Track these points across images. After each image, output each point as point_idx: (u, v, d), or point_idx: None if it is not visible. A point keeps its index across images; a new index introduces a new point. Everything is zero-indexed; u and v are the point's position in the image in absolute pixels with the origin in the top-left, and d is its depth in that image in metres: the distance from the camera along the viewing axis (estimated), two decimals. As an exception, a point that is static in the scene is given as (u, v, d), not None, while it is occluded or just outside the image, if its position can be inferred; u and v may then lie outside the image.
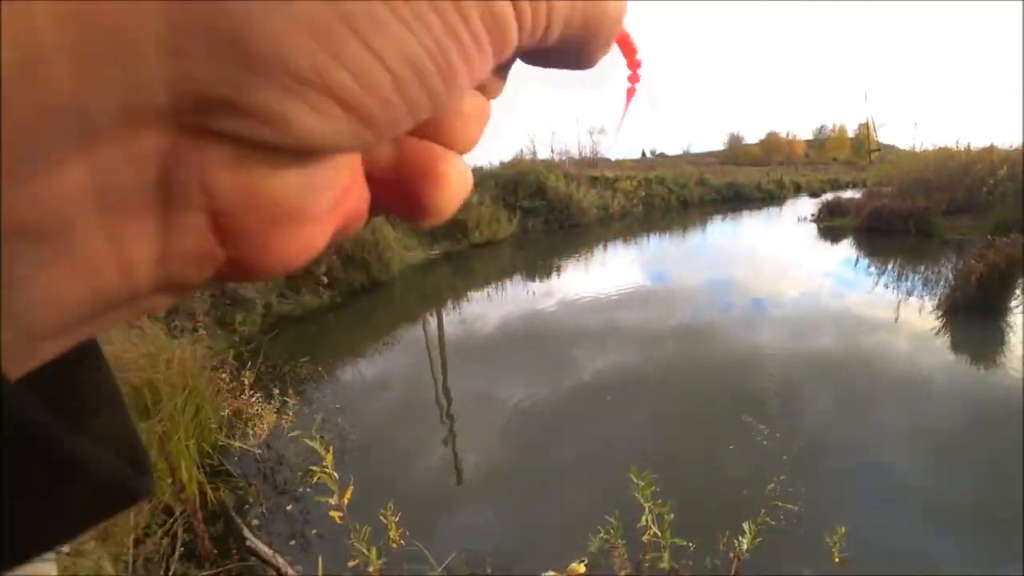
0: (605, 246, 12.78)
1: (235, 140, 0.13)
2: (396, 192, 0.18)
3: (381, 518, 1.65)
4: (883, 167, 18.00)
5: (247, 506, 2.84)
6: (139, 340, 3.34)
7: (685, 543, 1.32)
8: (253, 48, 0.11)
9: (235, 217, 0.14)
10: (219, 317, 6.30)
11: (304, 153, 0.14)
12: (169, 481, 2.45)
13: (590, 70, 0.18)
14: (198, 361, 3.53)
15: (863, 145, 59.37)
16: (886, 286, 7.86)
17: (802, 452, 3.37)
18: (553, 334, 6.16)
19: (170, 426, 2.84)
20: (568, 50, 0.17)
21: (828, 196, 18.94)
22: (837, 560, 1.34)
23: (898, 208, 12.21)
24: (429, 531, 2.75)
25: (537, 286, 8.75)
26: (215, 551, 2.36)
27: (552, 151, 28.91)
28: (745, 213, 20.44)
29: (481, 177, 15.13)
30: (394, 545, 1.62)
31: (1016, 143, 14.07)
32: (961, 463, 3.28)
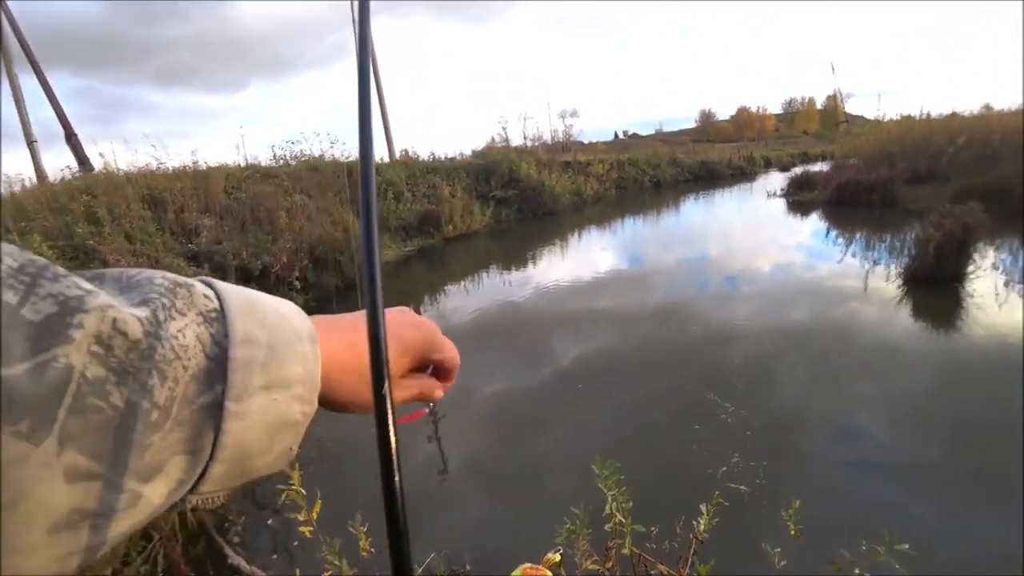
0: (580, 232, 12.85)
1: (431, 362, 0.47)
2: None
3: (351, 530, 1.68)
4: (850, 139, 18.28)
5: (227, 524, 2.85)
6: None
7: (644, 529, 1.37)
8: (439, 345, 0.47)
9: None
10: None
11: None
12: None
13: None
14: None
15: (831, 117, 60.17)
16: (854, 256, 8.06)
17: (777, 424, 3.48)
18: (531, 323, 6.22)
19: (144, 448, 2.82)
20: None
21: (797, 170, 19.22)
22: (793, 533, 1.40)
23: (863, 180, 12.47)
24: (413, 531, 2.79)
25: (513, 276, 8.79)
26: (196, 573, 2.37)
27: (524, 137, 28.85)
28: (718, 191, 20.69)
29: (452, 168, 15.06)
30: (364, 554, 1.66)
31: (975, 109, 14.40)
32: (927, 422, 3.41)
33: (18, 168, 23.45)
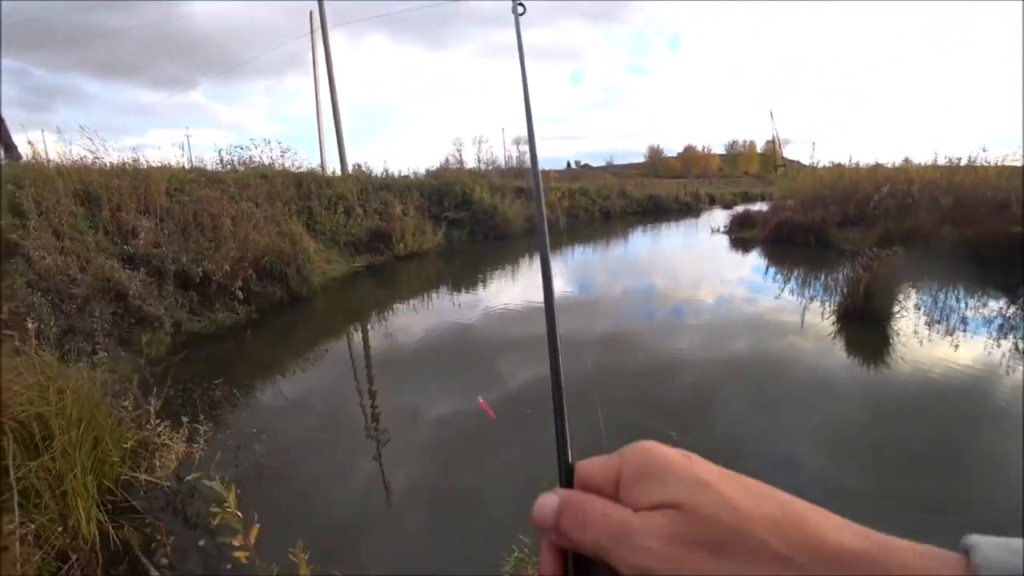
0: (530, 257, 12.98)
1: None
2: None
3: (291, 557, 1.60)
4: (787, 182, 19.38)
5: (154, 544, 2.65)
6: (25, 369, 3.05)
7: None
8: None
9: None
10: (121, 337, 5.87)
11: None
12: (60, 527, 2.25)
13: None
14: (96, 389, 3.28)
15: (770, 160, 63.73)
16: (792, 292, 8.45)
17: (720, 450, 3.55)
18: (479, 346, 6.19)
19: (64, 464, 2.61)
20: None
21: (739, 208, 20.23)
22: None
23: (799, 221, 13.18)
24: (354, 557, 2.69)
25: (463, 298, 8.75)
26: (116, 597, 2.19)
27: (479, 160, 29.11)
28: (664, 224, 21.42)
29: (406, 187, 14.97)
30: (307, 583, 1.58)
31: (897, 161, 15.55)
32: (857, 450, 3.58)
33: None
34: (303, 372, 5.75)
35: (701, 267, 11.49)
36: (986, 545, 0.22)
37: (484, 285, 9.73)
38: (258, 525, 1.66)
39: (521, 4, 0.61)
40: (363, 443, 4.02)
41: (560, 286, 9.28)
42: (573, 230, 19.03)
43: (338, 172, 16.53)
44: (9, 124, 11.01)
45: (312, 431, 4.35)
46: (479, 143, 51.66)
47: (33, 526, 2.20)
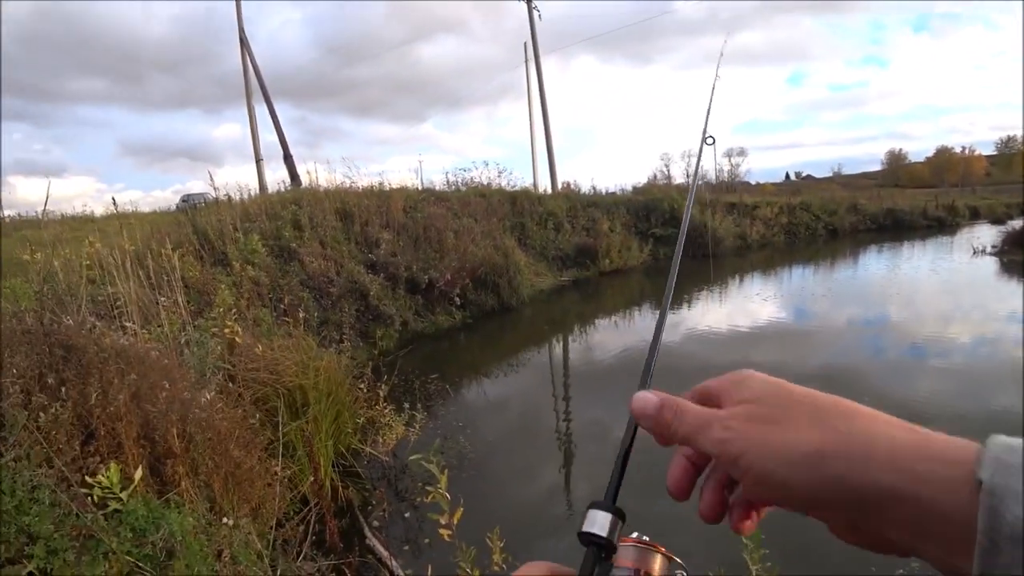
0: (740, 278, 12.13)
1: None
2: None
3: (487, 541, 1.76)
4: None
5: (370, 507, 3.11)
6: (295, 348, 3.82)
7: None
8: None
9: None
10: (362, 330, 6.94)
11: None
12: (310, 476, 2.79)
13: None
14: (341, 370, 3.95)
15: (1069, 166, 50.09)
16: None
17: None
18: (679, 369, 5.97)
19: (314, 427, 3.22)
20: None
21: (1016, 223, 16.07)
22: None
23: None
24: (534, 556, 2.82)
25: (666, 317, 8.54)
26: (340, 544, 2.63)
27: (687, 175, 28.12)
28: (906, 244, 18.23)
29: (613, 203, 15.13)
30: (497, 568, 1.73)
31: None
32: None
33: (246, 180, 28.06)
34: (505, 376, 6.18)
35: (954, 297, 9.53)
36: (999, 448, 0.24)
37: (689, 305, 9.36)
38: (462, 509, 1.86)
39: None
40: (552, 451, 4.18)
41: (770, 312, 8.51)
42: (791, 249, 17.29)
43: (549, 190, 17.37)
44: (295, 159, 14.25)
45: (509, 432, 4.66)
46: (688, 157, 49.70)
47: (289, 472, 2.77)
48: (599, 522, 0.32)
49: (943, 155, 67.04)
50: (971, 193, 39.63)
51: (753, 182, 47.95)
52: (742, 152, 54.21)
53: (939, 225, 24.09)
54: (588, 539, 0.33)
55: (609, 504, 0.34)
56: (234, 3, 16.70)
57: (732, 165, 52.44)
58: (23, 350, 2.51)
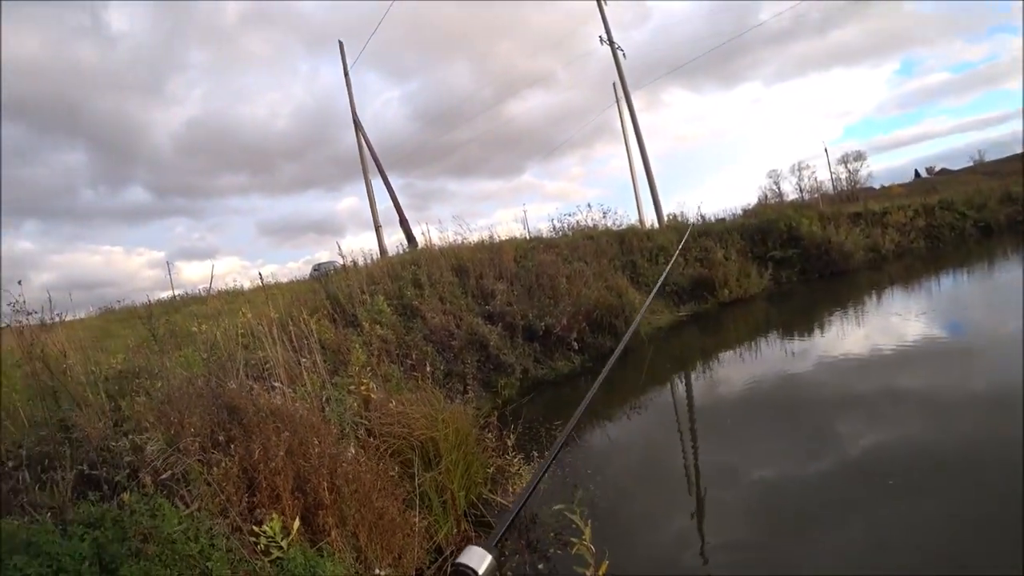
0: (878, 294, 11.01)
1: None
2: None
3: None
4: None
5: (503, 558, 3.13)
6: (423, 402, 4.01)
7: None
8: None
9: None
10: (484, 380, 7.12)
11: None
12: (451, 526, 2.88)
13: None
14: (468, 421, 4.08)
15: None
16: None
17: None
18: (811, 401, 5.50)
19: (446, 478, 3.34)
20: None
21: None
22: None
23: None
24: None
25: (795, 345, 7.93)
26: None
27: (800, 190, 26.33)
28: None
29: (724, 230, 14.50)
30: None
31: None
32: None
33: (368, 246, 30.50)
34: (628, 419, 6.02)
35: None
36: None
37: (820, 330, 8.64)
38: (607, 562, 1.81)
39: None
40: (682, 496, 3.98)
41: (918, 329, 7.56)
42: (935, 255, 15.38)
43: (656, 224, 17.05)
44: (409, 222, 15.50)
45: (638, 477, 4.51)
46: (798, 170, 46.22)
47: (426, 522, 2.88)
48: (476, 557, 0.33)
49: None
50: None
51: (877, 186, 43.55)
52: (859, 156, 49.56)
53: None
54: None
55: (491, 545, 0.35)
56: (346, 94, 18.97)
57: (850, 171, 48.23)
58: (198, 411, 2.88)
